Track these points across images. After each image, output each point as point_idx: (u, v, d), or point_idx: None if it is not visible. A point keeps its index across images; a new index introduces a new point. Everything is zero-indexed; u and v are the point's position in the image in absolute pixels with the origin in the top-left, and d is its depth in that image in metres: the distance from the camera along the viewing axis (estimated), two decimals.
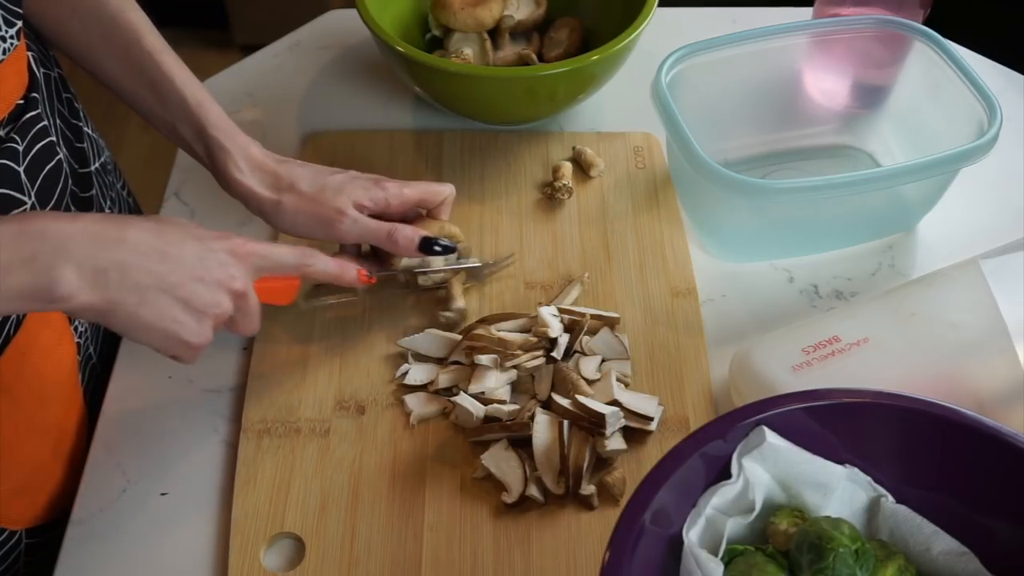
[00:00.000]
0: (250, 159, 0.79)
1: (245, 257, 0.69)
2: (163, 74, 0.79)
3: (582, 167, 0.97)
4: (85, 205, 0.85)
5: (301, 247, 0.74)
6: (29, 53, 0.78)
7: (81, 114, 0.90)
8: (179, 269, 0.65)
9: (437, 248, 0.80)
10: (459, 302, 0.84)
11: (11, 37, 0.72)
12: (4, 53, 0.71)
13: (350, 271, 0.77)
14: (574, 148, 0.98)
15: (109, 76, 0.81)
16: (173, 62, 0.80)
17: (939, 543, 0.60)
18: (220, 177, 0.80)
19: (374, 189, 0.79)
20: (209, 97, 0.81)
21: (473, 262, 0.87)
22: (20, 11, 0.73)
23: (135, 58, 0.79)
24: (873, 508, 0.62)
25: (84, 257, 0.61)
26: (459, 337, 0.81)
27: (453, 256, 0.85)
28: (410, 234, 0.79)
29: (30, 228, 0.60)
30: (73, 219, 0.62)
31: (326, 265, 0.75)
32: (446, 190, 0.83)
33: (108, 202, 0.93)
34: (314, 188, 0.78)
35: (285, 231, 0.80)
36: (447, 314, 0.83)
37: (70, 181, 0.81)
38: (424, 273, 0.84)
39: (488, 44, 1.00)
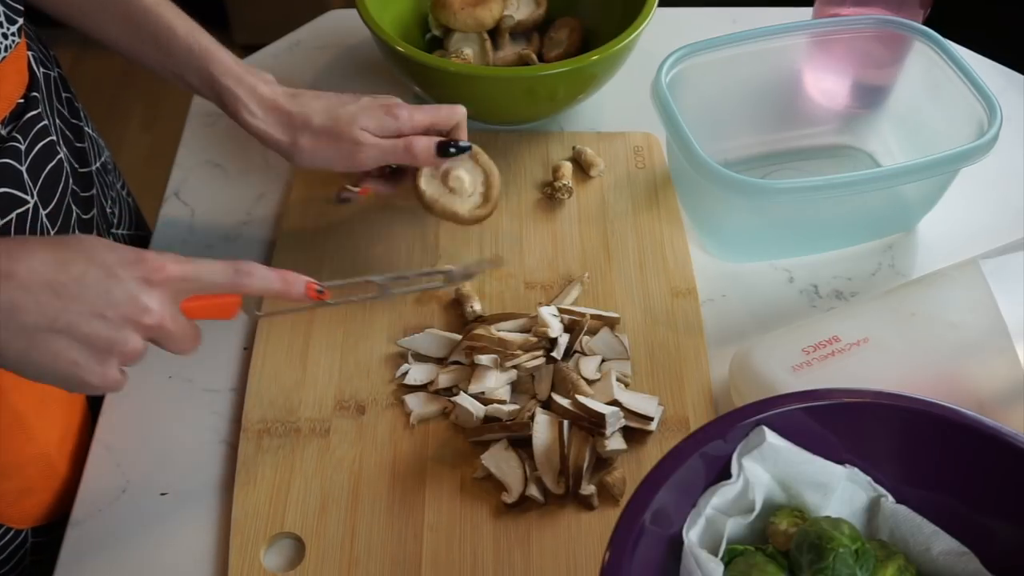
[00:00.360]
0: (261, 101, 0.79)
1: (163, 283, 0.61)
2: (164, 27, 0.78)
3: (582, 167, 0.97)
4: (86, 204, 0.85)
5: (235, 262, 0.66)
6: (29, 52, 0.78)
7: (81, 114, 0.90)
8: (76, 305, 0.58)
9: (452, 149, 0.79)
10: (476, 304, 0.84)
11: (12, 35, 0.72)
12: (6, 50, 0.71)
13: (296, 287, 0.69)
14: (574, 148, 0.98)
15: (112, 38, 0.80)
16: (173, 14, 0.79)
17: (939, 543, 0.60)
18: (236, 120, 0.80)
19: (386, 118, 0.78)
20: (214, 43, 0.80)
21: (446, 267, 0.83)
22: (21, 8, 0.73)
23: (134, 16, 0.79)
24: (873, 508, 0.62)
25: None
26: (459, 337, 0.81)
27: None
28: (426, 143, 0.78)
29: None
30: None
31: (266, 281, 0.67)
32: (458, 112, 0.81)
33: (109, 202, 0.94)
34: (328, 122, 0.77)
35: (305, 167, 0.80)
36: (473, 308, 0.84)
37: (71, 180, 0.81)
38: (398, 279, 0.81)
39: (488, 44, 1.00)
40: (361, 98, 0.79)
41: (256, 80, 0.79)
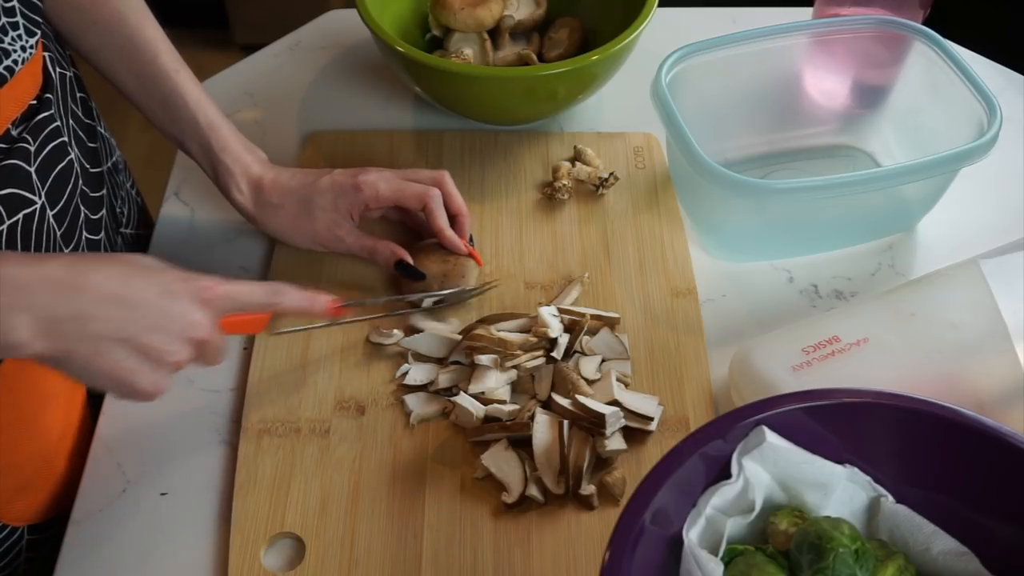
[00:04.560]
0: (251, 181, 0.84)
1: (211, 302, 0.67)
2: (177, 94, 0.82)
3: (591, 183, 0.96)
4: (95, 205, 0.85)
5: (270, 284, 0.73)
6: (46, 54, 0.79)
7: (95, 113, 0.90)
8: (139, 318, 0.63)
9: (405, 272, 0.84)
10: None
11: (31, 47, 0.73)
12: (24, 63, 0.72)
13: (319, 303, 0.75)
14: (575, 148, 0.98)
15: (122, 87, 0.84)
16: (188, 81, 0.83)
17: (939, 543, 0.60)
18: (224, 194, 0.86)
19: (354, 195, 0.83)
20: (219, 117, 0.84)
21: (453, 287, 0.84)
22: (40, 19, 0.74)
23: (150, 75, 0.82)
24: (873, 508, 0.62)
25: (41, 307, 0.60)
26: (459, 337, 0.81)
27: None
28: (387, 255, 0.84)
29: None
30: (37, 263, 0.61)
31: (296, 301, 0.74)
32: (425, 194, 0.83)
33: (119, 202, 0.94)
34: (305, 208, 0.83)
35: (283, 243, 0.87)
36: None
37: (80, 181, 0.82)
38: (422, 298, 0.84)
39: (488, 44, 1.00)
40: (335, 181, 0.83)
41: (251, 160, 0.85)
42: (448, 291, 0.84)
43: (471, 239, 0.87)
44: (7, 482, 0.77)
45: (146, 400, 0.66)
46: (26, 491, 0.79)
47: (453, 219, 0.85)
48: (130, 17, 0.82)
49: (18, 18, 0.71)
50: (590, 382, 0.79)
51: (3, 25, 0.70)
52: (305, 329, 0.83)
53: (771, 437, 0.59)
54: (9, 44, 0.70)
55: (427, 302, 0.84)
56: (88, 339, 0.61)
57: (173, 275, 0.66)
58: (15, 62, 0.71)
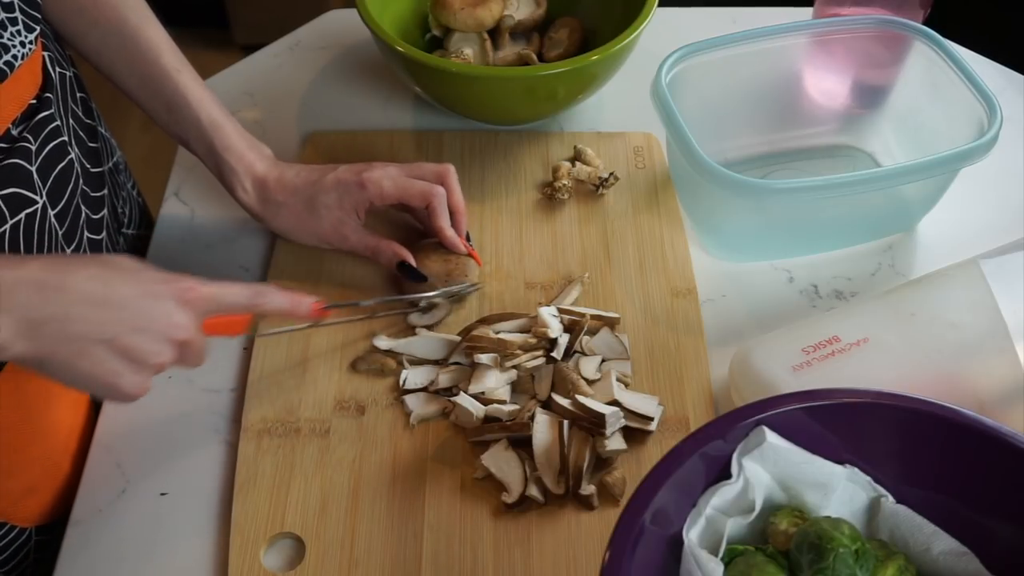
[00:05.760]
0: (255, 180, 0.84)
1: (193, 303, 0.67)
2: (179, 94, 0.82)
3: (591, 184, 0.96)
4: (96, 205, 0.85)
5: (252, 285, 0.72)
6: (45, 53, 0.79)
7: (95, 113, 0.90)
8: (121, 319, 0.63)
9: (407, 274, 0.84)
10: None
11: (30, 43, 0.73)
12: (23, 58, 0.72)
13: (303, 306, 0.75)
14: (575, 148, 0.98)
15: (125, 88, 0.84)
16: (190, 81, 0.83)
17: (939, 543, 0.60)
18: (229, 192, 0.85)
19: (358, 193, 0.82)
20: (222, 115, 0.84)
21: (432, 293, 0.84)
22: (39, 16, 0.74)
23: (152, 75, 0.82)
24: (873, 508, 0.62)
25: (23, 308, 0.59)
26: (457, 338, 0.81)
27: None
28: (390, 256, 0.84)
29: None
30: (18, 266, 0.61)
31: (278, 302, 0.73)
32: (437, 190, 0.83)
33: (120, 202, 0.94)
34: (309, 206, 0.83)
35: (286, 241, 0.87)
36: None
37: (81, 181, 0.82)
38: (415, 299, 0.84)
39: (488, 44, 1.00)
40: (340, 179, 0.83)
41: (255, 158, 0.84)
42: (437, 292, 0.84)
43: (468, 237, 0.87)
44: (15, 483, 0.77)
45: (128, 401, 0.66)
46: (33, 492, 0.79)
47: (451, 216, 0.85)
48: (131, 18, 0.82)
49: (17, 14, 0.71)
50: (590, 382, 0.79)
51: (2, 20, 0.70)
52: (288, 331, 0.82)
53: (771, 437, 0.59)
54: (8, 39, 0.70)
55: (423, 304, 0.84)
56: (69, 340, 0.61)
57: (154, 276, 0.66)
58: (15, 57, 0.71)
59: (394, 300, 0.84)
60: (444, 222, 0.83)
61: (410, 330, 0.84)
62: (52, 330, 0.60)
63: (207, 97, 0.83)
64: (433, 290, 0.84)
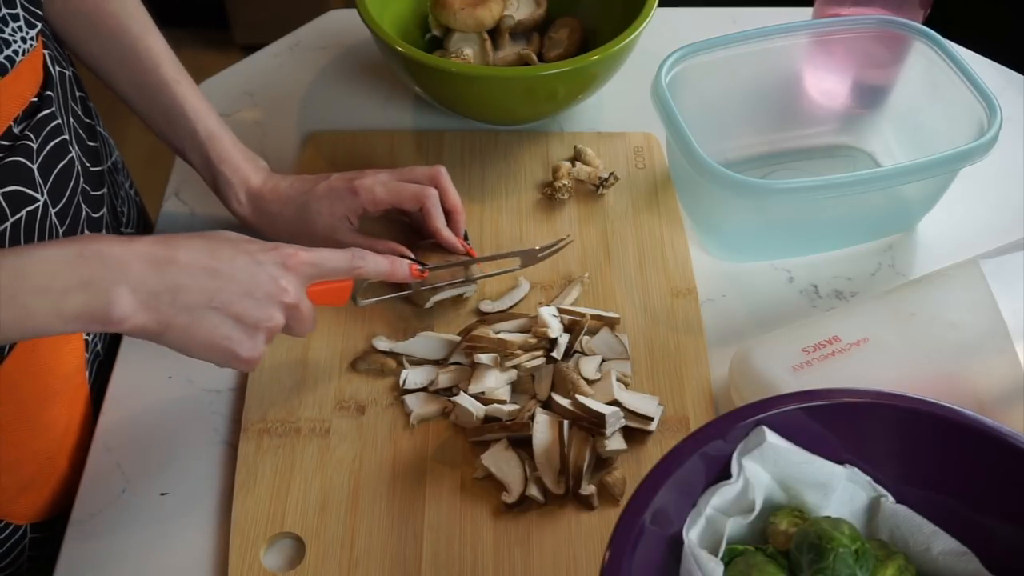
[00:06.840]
0: (249, 191, 0.85)
1: (296, 267, 0.69)
2: (177, 104, 0.83)
3: (591, 184, 0.96)
4: (96, 203, 0.86)
5: (352, 249, 0.74)
6: (45, 52, 0.79)
7: (94, 113, 0.90)
8: (230, 286, 0.65)
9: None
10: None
11: (31, 39, 0.73)
12: (24, 54, 0.72)
13: (402, 267, 0.77)
14: (575, 148, 0.98)
15: (124, 96, 0.85)
16: (189, 92, 0.84)
17: (939, 543, 0.60)
18: (224, 204, 0.86)
19: (351, 200, 0.83)
20: (219, 127, 0.84)
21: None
22: (40, 12, 0.74)
23: (151, 85, 0.83)
24: (873, 508, 0.62)
25: (138, 280, 0.62)
26: (457, 338, 0.81)
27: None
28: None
29: (87, 251, 0.61)
30: (127, 242, 0.63)
31: (377, 264, 0.75)
32: (422, 195, 0.82)
33: (119, 201, 0.94)
34: (302, 215, 0.84)
35: None
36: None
37: (81, 179, 0.82)
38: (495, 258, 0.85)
39: (488, 44, 1.00)
40: (331, 187, 0.83)
41: (250, 170, 0.85)
42: (517, 251, 0.84)
43: (466, 235, 0.86)
44: (10, 480, 0.77)
45: (247, 368, 0.68)
46: (29, 489, 0.79)
47: (448, 216, 0.85)
48: (132, 28, 0.83)
49: (18, 10, 0.72)
50: (590, 382, 0.79)
51: (3, 16, 0.70)
52: (390, 298, 0.83)
53: (771, 437, 0.59)
54: (10, 35, 0.71)
55: (511, 262, 0.85)
56: (185, 309, 0.64)
57: (257, 244, 0.68)
58: (15, 52, 0.71)
59: (492, 258, 0.85)
60: (439, 223, 0.83)
61: (412, 329, 0.83)
62: (167, 301, 0.63)
63: (204, 108, 0.84)
64: (450, 282, 0.83)
